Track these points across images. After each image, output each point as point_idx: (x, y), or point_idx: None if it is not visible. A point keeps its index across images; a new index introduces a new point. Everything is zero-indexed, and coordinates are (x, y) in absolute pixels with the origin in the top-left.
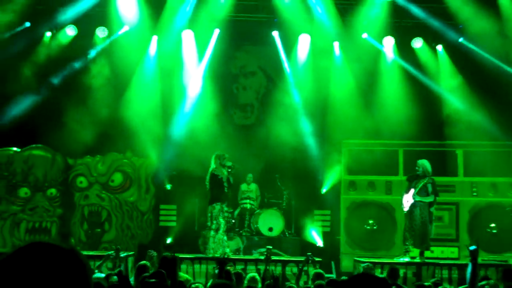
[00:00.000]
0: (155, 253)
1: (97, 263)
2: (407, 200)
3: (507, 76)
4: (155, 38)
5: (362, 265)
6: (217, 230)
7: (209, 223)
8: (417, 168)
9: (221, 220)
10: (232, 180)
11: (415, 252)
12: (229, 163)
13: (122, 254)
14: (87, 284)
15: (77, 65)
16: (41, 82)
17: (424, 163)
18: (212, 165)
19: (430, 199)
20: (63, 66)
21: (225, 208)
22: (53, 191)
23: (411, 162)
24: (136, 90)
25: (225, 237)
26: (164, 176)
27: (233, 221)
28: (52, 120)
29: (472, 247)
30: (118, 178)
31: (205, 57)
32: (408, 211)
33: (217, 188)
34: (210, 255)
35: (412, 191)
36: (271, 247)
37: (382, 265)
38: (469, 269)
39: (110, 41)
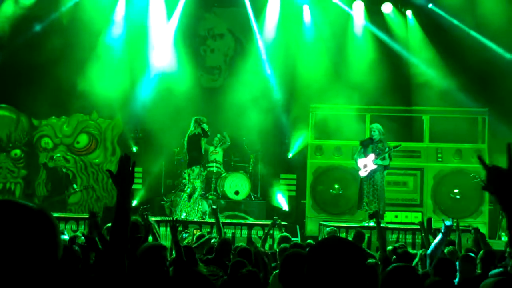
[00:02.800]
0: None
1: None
2: (365, 164)
3: (474, 42)
4: None
5: (327, 229)
6: (191, 194)
7: (184, 186)
8: (373, 132)
9: (198, 183)
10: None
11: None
12: (205, 127)
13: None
14: (55, 243)
15: (43, 24)
16: (6, 41)
17: (379, 126)
18: (191, 128)
19: (386, 162)
20: (29, 25)
21: (202, 169)
22: (17, 152)
23: None
24: (103, 51)
25: (200, 200)
26: (130, 138)
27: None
28: (17, 80)
29: (448, 222)
30: (83, 139)
31: (173, 18)
32: (367, 176)
33: (196, 151)
34: (183, 219)
35: (372, 156)
36: (277, 218)
37: (347, 229)
38: (437, 239)
39: (76, 1)
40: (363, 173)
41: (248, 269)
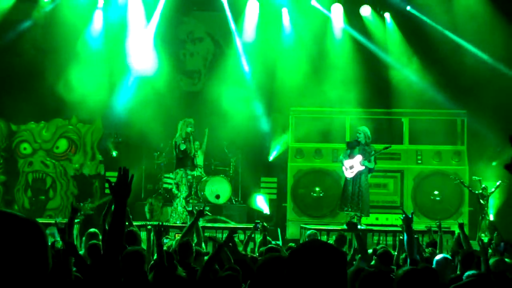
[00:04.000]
0: None
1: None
2: (352, 165)
3: (452, 45)
4: (101, 2)
5: (308, 232)
6: (173, 197)
7: (175, 191)
8: (358, 134)
9: (182, 187)
10: (184, 146)
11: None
12: (188, 129)
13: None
14: (46, 255)
15: (21, 28)
16: None
17: (366, 130)
18: (178, 131)
19: (371, 165)
20: (6, 29)
21: (189, 172)
22: None
23: None
24: (82, 55)
25: (180, 205)
26: (110, 142)
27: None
28: None
29: (402, 217)
30: (63, 144)
31: (152, 22)
32: (352, 178)
33: (177, 155)
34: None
35: (359, 157)
36: (259, 221)
37: (328, 232)
38: (405, 238)
39: (55, 5)
40: (349, 174)
41: (228, 272)
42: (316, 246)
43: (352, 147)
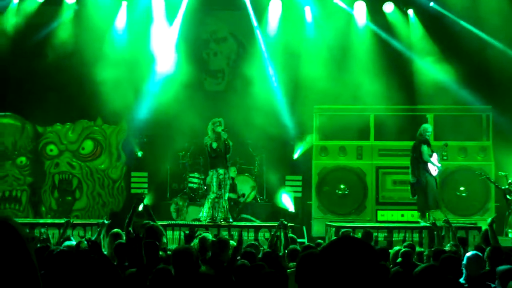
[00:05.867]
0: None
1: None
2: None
3: (477, 40)
4: (124, 4)
5: (342, 230)
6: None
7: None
8: (428, 133)
9: (211, 188)
10: (216, 145)
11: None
12: (218, 129)
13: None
14: (25, 251)
15: (45, 31)
16: (9, 49)
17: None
18: (208, 133)
19: None
20: (31, 32)
21: (221, 171)
22: (23, 159)
23: (382, 126)
24: (106, 57)
25: (207, 205)
26: (135, 143)
27: (205, 187)
28: (21, 88)
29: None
30: (88, 145)
31: (175, 22)
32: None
33: (210, 156)
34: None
35: (435, 155)
36: (283, 219)
37: (353, 229)
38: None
39: (78, 7)
40: (435, 172)
41: (268, 270)
42: (346, 241)
43: (429, 145)
